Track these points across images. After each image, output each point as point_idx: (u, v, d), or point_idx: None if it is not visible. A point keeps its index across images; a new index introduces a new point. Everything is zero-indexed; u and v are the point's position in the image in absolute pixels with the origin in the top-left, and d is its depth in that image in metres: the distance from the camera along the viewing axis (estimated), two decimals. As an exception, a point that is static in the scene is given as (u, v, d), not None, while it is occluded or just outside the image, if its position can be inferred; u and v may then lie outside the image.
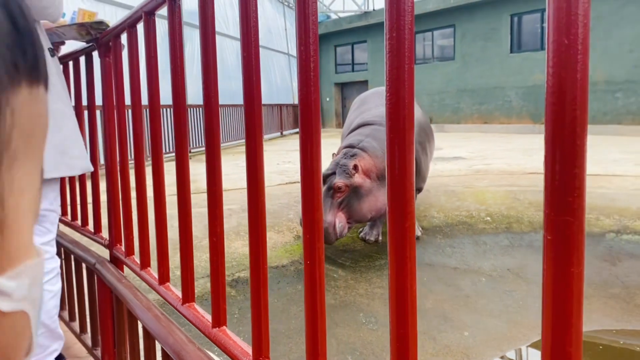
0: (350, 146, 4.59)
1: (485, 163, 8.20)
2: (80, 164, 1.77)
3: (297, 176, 6.75)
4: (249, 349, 0.99)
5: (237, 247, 4.59)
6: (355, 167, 4.40)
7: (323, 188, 4.34)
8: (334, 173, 4.35)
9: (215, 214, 1.08)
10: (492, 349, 3.78)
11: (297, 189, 6.69)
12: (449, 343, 3.80)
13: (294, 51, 20.37)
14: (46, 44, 1.71)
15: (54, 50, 1.76)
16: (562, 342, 0.45)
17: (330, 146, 12.69)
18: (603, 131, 14.10)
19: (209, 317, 1.16)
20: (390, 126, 0.61)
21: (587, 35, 0.43)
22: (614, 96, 13.93)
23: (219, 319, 1.11)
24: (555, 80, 0.43)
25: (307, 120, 0.76)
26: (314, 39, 0.74)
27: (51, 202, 1.73)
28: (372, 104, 5.64)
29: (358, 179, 4.42)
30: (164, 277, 1.43)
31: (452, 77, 17.73)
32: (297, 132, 19.88)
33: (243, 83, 0.92)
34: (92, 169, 1.87)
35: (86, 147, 2.27)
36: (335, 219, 4.33)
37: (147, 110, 1.44)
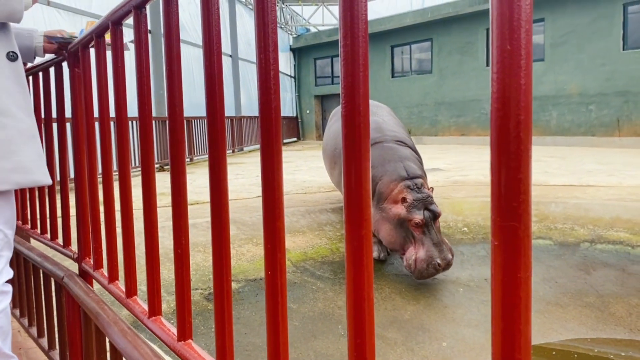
0: (404, 178, 4.51)
1: (462, 174, 8.29)
2: (15, 178, 1.62)
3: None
4: (213, 362, 0.98)
5: (214, 260, 4.54)
6: (432, 191, 4.54)
7: (427, 228, 4.29)
8: (425, 209, 4.33)
9: (180, 226, 1.07)
10: (470, 359, 3.79)
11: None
12: (427, 354, 3.80)
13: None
14: (5, 47, 1.64)
15: (15, 55, 1.68)
16: (511, 348, 0.45)
17: (310, 158, 12.70)
18: (577, 143, 14.38)
19: (175, 331, 1.14)
20: (346, 133, 0.61)
21: (530, 41, 0.43)
22: (588, 108, 14.24)
23: (184, 332, 1.09)
24: (499, 85, 0.44)
25: (267, 128, 0.76)
26: (273, 47, 0.74)
27: None
28: None
29: None
30: (131, 290, 1.41)
31: (429, 90, 17.95)
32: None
33: (205, 94, 0.91)
34: (43, 183, 1.72)
35: (54, 160, 2.22)
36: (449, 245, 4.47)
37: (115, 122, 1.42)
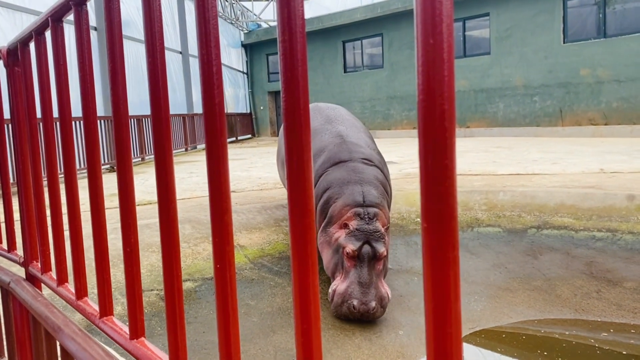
0: (358, 204, 4.07)
1: (414, 167, 8.46)
2: None
3: (234, 185, 6.62)
4: (166, 358, 0.98)
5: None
6: (387, 229, 4.09)
7: (360, 263, 3.82)
8: (366, 242, 3.89)
9: (128, 224, 1.06)
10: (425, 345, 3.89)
11: (234, 197, 6.64)
12: (384, 343, 3.87)
13: (226, 60, 20.17)
14: None
15: None
16: (442, 323, 0.48)
17: (265, 154, 12.62)
18: (523, 133, 14.91)
19: (127, 330, 1.13)
20: (287, 127, 0.63)
21: (452, 35, 0.46)
22: (532, 100, 14.78)
23: (136, 330, 1.09)
24: (424, 78, 0.46)
25: (211, 124, 0.77)
26: (215, 43, 0.75)
27: None
28: (322, 129, 5.01)
29: (387, 238, 4.07)
30: (81, 292, 1.38)
31: (381, 84, 18.19)
32: (233, 141, 19.53)
33: (149, 91, 0.91)
34: None
35: None
36: (387, 289, 3.98)
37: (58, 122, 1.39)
